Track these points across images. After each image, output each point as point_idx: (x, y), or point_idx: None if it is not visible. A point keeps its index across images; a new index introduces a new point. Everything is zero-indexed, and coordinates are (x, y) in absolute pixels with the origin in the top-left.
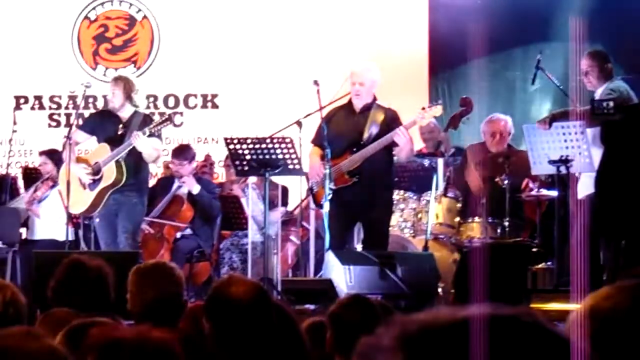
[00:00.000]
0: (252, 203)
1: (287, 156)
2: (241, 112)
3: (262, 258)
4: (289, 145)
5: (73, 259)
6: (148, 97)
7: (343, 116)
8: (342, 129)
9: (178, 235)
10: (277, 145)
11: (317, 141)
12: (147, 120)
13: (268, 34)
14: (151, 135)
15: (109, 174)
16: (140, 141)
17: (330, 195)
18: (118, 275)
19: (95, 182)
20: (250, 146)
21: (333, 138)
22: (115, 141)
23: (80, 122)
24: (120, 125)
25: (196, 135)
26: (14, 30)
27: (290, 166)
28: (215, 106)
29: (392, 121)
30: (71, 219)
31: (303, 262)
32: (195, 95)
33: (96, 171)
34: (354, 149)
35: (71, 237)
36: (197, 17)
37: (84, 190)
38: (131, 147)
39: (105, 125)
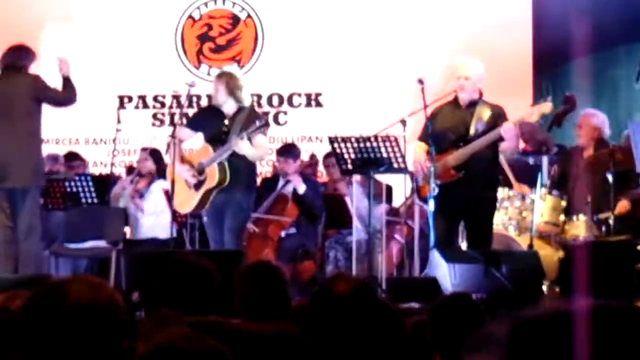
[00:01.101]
0: (356, 201)
1: (391, 154)
2: (345, 111)
3: (367, 256)
4: (394, 144)
5: (178, 258)
6: (252, 96)
7: (448, 111)
8: (448, 125)
9: (282, 234)
10: (381, 144)
11: (423, 137)
12: (251, 115)
13: (372, 32)
14: (250, 139)
15: (212, 175)
16: (240, 146)
17: (436, 191)
18: (223, 274)
19: (200, 183)
20: (355, 145)
21: (438, 133)
22: (220, 138)
23: (185, 120)
24: (226, 122)
25: (300, 134)
26: (118, 30)
27: (395, 165)
28: (319, 105)
29: (498, 117)
30: (176, 217)
31: (408, 261)
32: (299, 94)
33: (200, 171)
34: (460, 144)
35: (175, 236)
36: (300, 15)
37: (189, 190)
38: (231, 150)
39: (210, 122)
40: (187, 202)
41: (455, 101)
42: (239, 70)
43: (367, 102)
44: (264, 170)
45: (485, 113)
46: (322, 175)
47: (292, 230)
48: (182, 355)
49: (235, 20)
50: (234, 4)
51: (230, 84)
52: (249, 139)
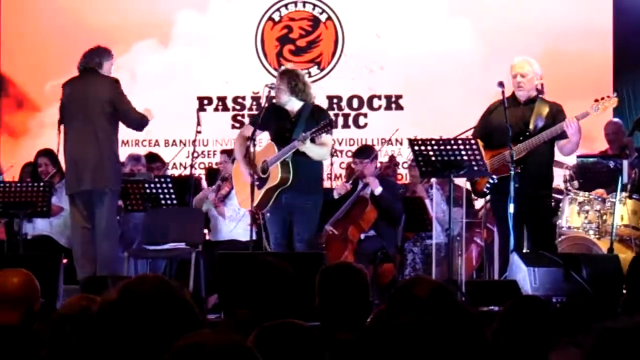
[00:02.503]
0: (436, 204)
1: (471, 157)
2: (425, 113)
3: (446, 259)
4: (474, 147)
5: (259, 260)
6: (332, 98)
7: (507, 108)
8: (506, 120)
9: (362, 236)
10: (461, 147)
11: (477, 133)
12: (315, 114)
13: (453, 35)
14: (313, 140)
15: (275, 175)
16: (304, 146)
17: (494, 182)
18: (302, 277)
19: (263, 181)
20: (435, 147)
21: (496, 128)
22: (284, 137)
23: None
24: (290, 120)
25: (380, 136)
26: (198, 31)
27: (475, 167)
28: (399, 107)
29: (557, 113)
30: (255, 219)
31: (487, 264)
32: (380, 97)
33: (264, 170)
34: (520, 138)
35: (255, 238)
36: (380, 18)
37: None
38: (295, 149)
39: (274, 120)
40: (249, 199)
41: (513, 98)
42: (318, 73)
43: (447, 104)
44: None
45: (544, 109)
46: (402, 177)
47: (372, 232)
48: (209, 352)
49: (316, 22)
50: (314, 6)
51: (292, 81)
52: (312, 139)
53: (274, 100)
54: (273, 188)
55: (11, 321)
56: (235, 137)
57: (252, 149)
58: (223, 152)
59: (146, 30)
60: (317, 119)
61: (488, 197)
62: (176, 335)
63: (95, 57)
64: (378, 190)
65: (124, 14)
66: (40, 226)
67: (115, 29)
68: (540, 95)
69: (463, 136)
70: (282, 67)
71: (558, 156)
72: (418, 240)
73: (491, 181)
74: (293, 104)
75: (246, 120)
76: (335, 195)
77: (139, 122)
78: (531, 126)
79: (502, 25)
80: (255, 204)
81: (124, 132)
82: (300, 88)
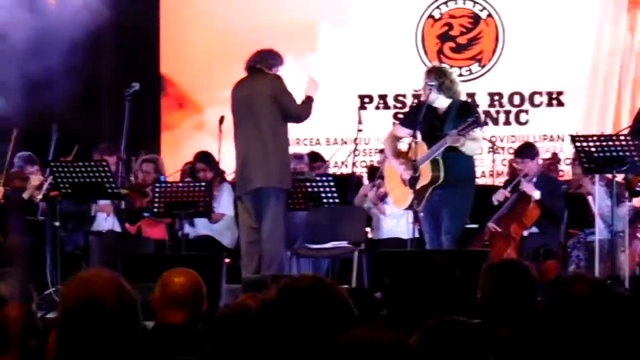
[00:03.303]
0: (599, 200)
1: (634, 153)
2: (587, 110)
3: (609, 256)
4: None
5: (423, 256)
6: (493, 95)
7: None
8: None
9: (525, 233)
10: (623, 143)
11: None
12: (463, 111)
13: (613, 32)
14: (462, 135)
15: (426, 173)
16: (454, 143)
17: None
18: (465, 274)
19: (414, 180)
20: (597, 143)
21: None
22: (434, 135)
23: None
24: (439, 117)
25: (542, 133)
26: (358, 30)
27: (638, 163)
28: (560, 104)
29: None
30: (416, 217)
31: None
32: (541, 93)
33: (415, 169)
34: None
35: (417, 236)
36: (541, 14)
37: (404, 186)
38: (446, 146)
39: (423, 119)
40: (403, 198)
41: None
42: (479, 70)
43: (609, 100)
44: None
45: None
46: (564, 174)
47: (534, 229)
48: (371, 350)
49: (476, 19)
50: (474, 3)
51: (440, 80)
52: (462, 136)
53: (424, 99)
54: (425, 187)
55: (178, 321)
56: (385, 137)
57: (408, 147)
58: (382, 151)
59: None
60: (465, 116)
61: None
62: (334, 333)
63: (263, 61)
64: (536, 194)
65: (282, 15)
66: (201, 228)
67: (273, 30)
68: None
69: (625, 132)
70: (429, 65)
71: None
72: (582, 237)
73: None
74: (441, 102)
75: None
76: (495, 202)
77: (299, 114)
78: None
79: None
80: (408, 203)
81: None
82: (448, 85)
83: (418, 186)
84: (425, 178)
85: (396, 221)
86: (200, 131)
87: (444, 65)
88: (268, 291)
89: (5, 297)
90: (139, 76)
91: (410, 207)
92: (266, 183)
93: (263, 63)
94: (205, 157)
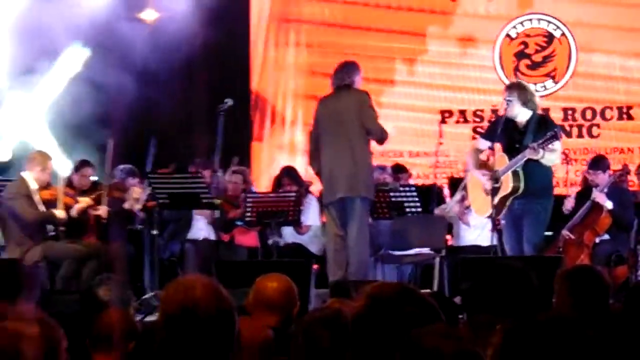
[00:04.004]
0: None
1: None
2: None
3: None
4: None
5: (501, 262)
6: (566, 109)
7: None
8: None
9: (597, 240)
10: None
11: None
12: (542, 124)
13: None
14: (541, 148)
15: (506, 184)
16: (536, 155)
17: None
18: (541, 280)
19: (495, 190)
20: None
21: None
22: (514, 147)
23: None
24: (519, 131)
25: (612, 145)
26: (441, 49)
27: None
28: (630, 117)
29: None
30: (495, 225)
31: None
32: (611, 108)
33: (496, 179)
34: None
35: (496, 244)
36: (610, 33)
37: (486, 196)
38: (526, 158)
39: (504, 131)
40: (484, 207)
41: None
42: (553, 86)
43: None
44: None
45: None
46: (634, 184)
47: (606, 236)
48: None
49: (550, 38)
50: (548, 22)
51: (522, 94)
52: (542, 148)
53: (503, 113)
54: (506, 196)
55: (270, 323)
56: (467, 150)
57: (487, 158)
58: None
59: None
60: (545, 129)
61: None
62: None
63: (346, 76)
64: (608, 204)
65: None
66: (290, 237)
67: (362, 48)
68: None
69: None
70: (509, 81)
71: None
72: None
73: None
74: (521, 115)
75: None
76: (565, 212)
77: (379, 135)
78: None
79: None
80: (490, 211)
81: (372, 145)
82: (529, 98)
83: (499, 196)
84: (505, 188)
85: (479, 231)
86: (289, 145)
87: (521, 80)
88: (355, 299)
89: (105, 301)
90: (231, 92)
91: (490, 216)
92: (352, 193)
93: (349, 79)
94: (289, 172)
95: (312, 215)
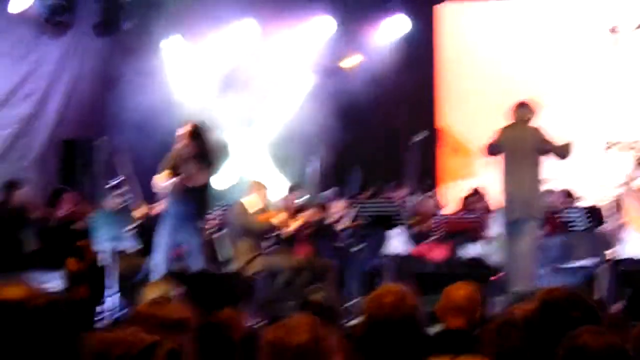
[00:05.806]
0: None
1: None
2: None
3: None
4: None
5: None
6: None
7: None
8: None
9: None
10: None
11: None
12: None
13: None
14: None
15: None
16: None
17: None
18: None
19: None
20: None
21: None
22: None
23: None
24: None
25: None
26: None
27: None
28: None
29: None
30: None
31: None
32: None
33: None
34: None
35: None
36: None
37: None
38: None
39: None
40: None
41: None
42: None
43: None
44: None
45: None
46: None
47: None
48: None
49: None
50: None
51: None
52: None
53: None
54: None
55: (459, 325)
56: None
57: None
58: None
59: None
60: None
61: None
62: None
63: (525, 114)
64: None
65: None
66: (472, 250)
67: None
68: None
69: None
70: None
71: None
72: None
73: None
74: None
75: None
76: None
77: (563, 154)
78: None
79: None
80: None
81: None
82: None
83: None
84: None
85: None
86: (471, 169)
87: None
88: (528, 303)
89: (321, 304)
90: (422, 125)
91: None
92: (527, 214)
93: (528, 115)
94: (475, 192)
95: (493, 230)
